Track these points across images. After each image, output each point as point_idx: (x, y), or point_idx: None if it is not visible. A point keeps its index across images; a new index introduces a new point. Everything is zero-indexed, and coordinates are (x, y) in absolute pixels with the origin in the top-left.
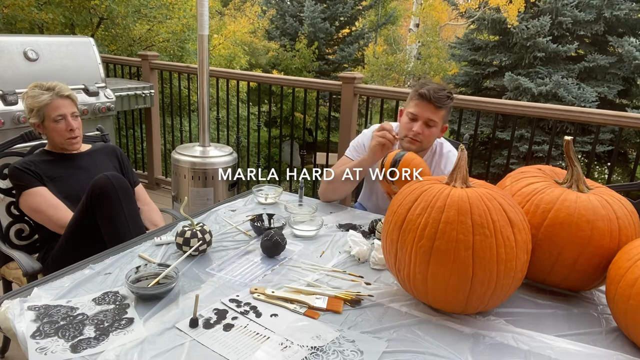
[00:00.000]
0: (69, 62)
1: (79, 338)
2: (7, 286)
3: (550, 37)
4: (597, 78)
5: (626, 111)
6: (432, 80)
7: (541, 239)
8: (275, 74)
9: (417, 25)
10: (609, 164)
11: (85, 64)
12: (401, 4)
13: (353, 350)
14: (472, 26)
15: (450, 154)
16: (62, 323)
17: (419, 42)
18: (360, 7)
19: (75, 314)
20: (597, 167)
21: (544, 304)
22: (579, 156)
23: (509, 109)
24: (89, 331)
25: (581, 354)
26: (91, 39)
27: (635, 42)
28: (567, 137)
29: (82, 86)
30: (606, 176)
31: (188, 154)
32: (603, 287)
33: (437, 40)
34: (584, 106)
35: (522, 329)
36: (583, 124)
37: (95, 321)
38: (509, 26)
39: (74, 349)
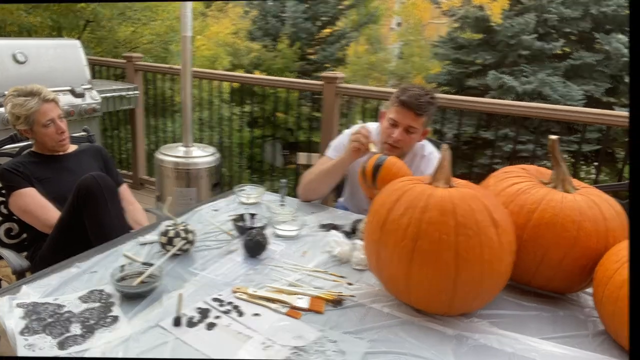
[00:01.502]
0: (56, 64)
1: (65, 335)
2: None
3: (536, 35)
4: (583, 76)
5: (613, 109)
6: (415, 84)
7: (526, 240)
8: (257, 74)
9: (400, 24)
10: (596, 163)
11: (72, 66)
12: (383, 3)
13: (335, 351)
14: (455, 24)
15: (431, 155)
16: (49, 320)
17: (401, 41)
18: (342, 7)
19: (62, 311)
20: (584, 166)
21: (529, 306)
22: (566, 156)
23: (492, 108)
24: (75, 328)
25: (567, 357)
26: (78, 42)
27: (623, 38)
28: (552, 137)
29: (69, 88)
30: (593, 176)
31: (171, 154)
32: (590, 290)
33: (419, 39)
34: (570, 105)
35: (507, 331)
36: (569, 123)
37: (82, 319)
38: (492, 24)
39: (61, 345)
